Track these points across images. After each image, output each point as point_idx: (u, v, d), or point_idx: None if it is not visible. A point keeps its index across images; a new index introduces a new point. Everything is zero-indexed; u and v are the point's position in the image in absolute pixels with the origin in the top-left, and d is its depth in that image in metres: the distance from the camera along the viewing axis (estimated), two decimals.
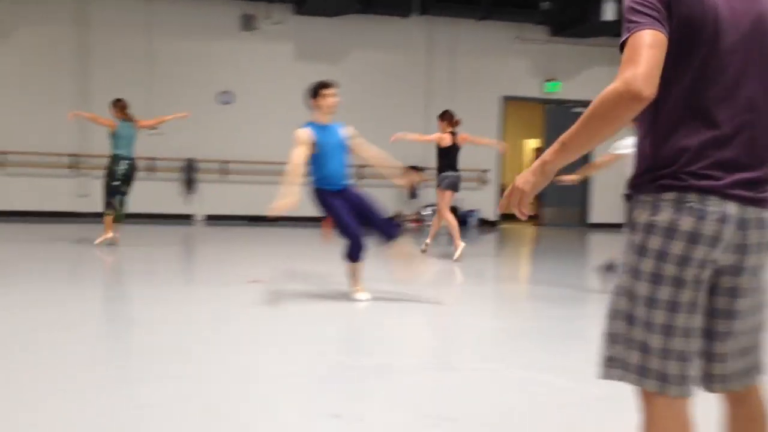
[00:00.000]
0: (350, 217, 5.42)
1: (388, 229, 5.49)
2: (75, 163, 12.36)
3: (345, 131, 5.74)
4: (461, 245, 8.17)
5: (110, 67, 12.48)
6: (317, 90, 5.58)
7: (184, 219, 12.86)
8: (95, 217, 12.25)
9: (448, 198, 8.47)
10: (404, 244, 5.61)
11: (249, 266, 7.47)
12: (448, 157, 8.46)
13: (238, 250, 9.09)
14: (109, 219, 8.27)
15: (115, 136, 8.33)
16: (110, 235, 8.25)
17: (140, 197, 12.58)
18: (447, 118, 8.45)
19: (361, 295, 5.55)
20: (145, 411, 2.91)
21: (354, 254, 5.47)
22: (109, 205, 8.27)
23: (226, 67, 13.02)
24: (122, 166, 8.24)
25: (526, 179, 1.78)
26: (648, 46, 1.57)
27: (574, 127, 1.65)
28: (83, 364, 3.70)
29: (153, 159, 12.52)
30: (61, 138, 12.27)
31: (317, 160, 5.59)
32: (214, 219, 13.00)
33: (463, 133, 8.67)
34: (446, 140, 8.39)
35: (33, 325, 4.41)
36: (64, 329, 4.39)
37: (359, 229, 5.41)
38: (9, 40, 12.10)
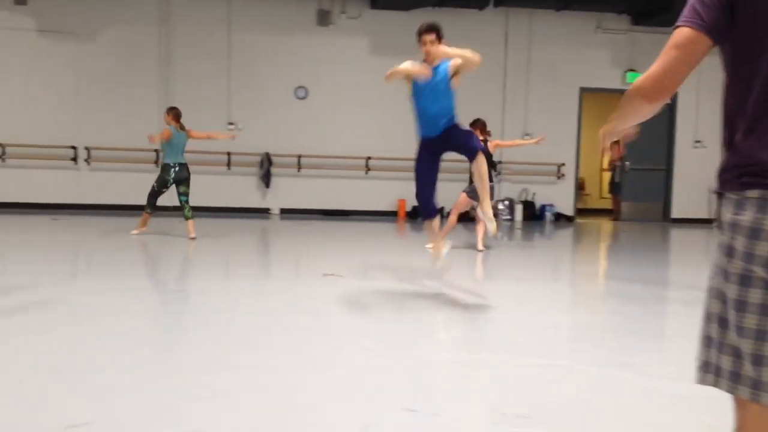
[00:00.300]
0: (424, 180, 5.37)
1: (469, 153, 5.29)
2: (158, 159, 12.75)
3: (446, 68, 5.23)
4: (443, 247, 7.77)
5: (190, 63, 12.81)
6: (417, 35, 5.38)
7: (261, 212, 13.11)
8: (174, 210, 12.67)
9: (464, 203, 8.32)
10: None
11: (324, 260, 7.54)
12: None
13: (313, 243, 9.20)
14: (147, 216, 8.84)
15: (168, 144, 8.67)
16: (145, 228, 8.85)
17: (218, 191, 12.95)
18: (479, 125, 8.29)
19: (440, 248, 5.52)
20: (220, 400, 2.96)
21: (424, 215, 5.55)
22: (151, 206, 8.83)
23: (302, 61, 13.17)
24: (172, 174, 8.67)
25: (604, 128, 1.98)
26: (673, 46, 1.61)
27: (615, 111, 1.81)
28: (158, 352, 3.80)
29: (230, 154, 12.80)
30: (145, 134, 12.67)
31: (414, 103, 5.41)
32: (288, 213, 13.20)
33: (494, 140, 8.73)
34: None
35: (110, 312, 4.57)
36: (140, 318, 4.53)
37: (427, 193, 5.38)
38: (97, 40, 12.57)
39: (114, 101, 12.65)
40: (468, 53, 5.09)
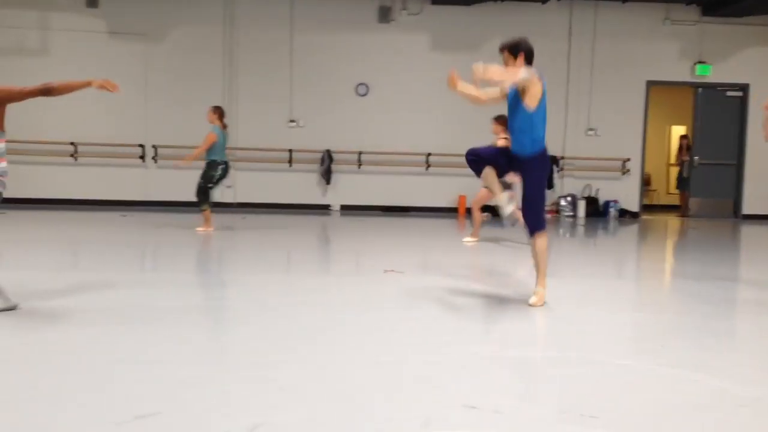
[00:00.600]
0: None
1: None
2: None
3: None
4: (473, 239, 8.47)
5: (254, 62, 13.02)
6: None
7: (322, 209, 13.22)
8: (239, 207, 12.87)
9: (485, 197, 8.31)
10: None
11: (384, 256, 7.56)
12: None
13: (374, 240, 9.23)
14: (208, 213, 9.07)
15: (214, 143, 8.98)
16: (210, 228, 9.03)
17: (279, 188, 13.14)
18: (502, 122, 8.13)
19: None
20: (286, 393, 3.00)
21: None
22: (204, 202, 9.07)
23: (363, 58, 13.22)
24: (219, 171, 8.99)
25: None
26: None
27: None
28: (223, 345, 3.88)
29: (291, 151, 12.96)
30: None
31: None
32: (348, 209, 13.28)
33: None
34: (500, 144, 8.33)
35: (176, 305, 4.68)
36: (205, 311, 4.62)
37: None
38: (164, 41, 12.89)
39: (180, 100, 12.96)
40: (473, 91, 5.05)
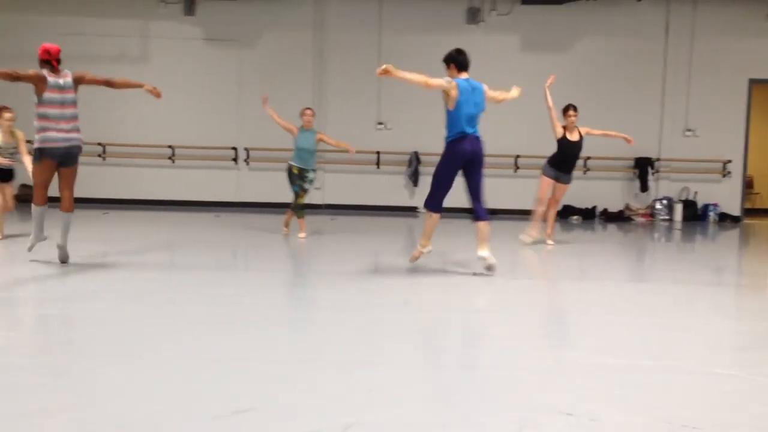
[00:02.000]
0: None
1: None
2: None
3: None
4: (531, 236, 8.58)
5: (343, 65, 13.19)
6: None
7: (409, 211, 13.25)
8: (328, 208, 13.04)
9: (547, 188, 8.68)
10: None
11: (473, 258, 7.49)
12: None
13: (461, 241, 9.16)
14: (300, 219, 8.85)
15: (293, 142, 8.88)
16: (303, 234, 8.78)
17: (367, 190, 13.23)
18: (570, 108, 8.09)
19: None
20: (375, 394, 3.01)
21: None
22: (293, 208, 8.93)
23: None
24: (289, 173, 8.89)
25: None
26: None
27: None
28: (314, 345, 3.92)
29: (379, 153, 13.04)
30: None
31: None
32: None
33: (585, 127, 8.53)
34: (560, 134, 8.23)
35: (269, 305, 4.78)
36: (295, 311, 4.69)
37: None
38: (257, 46, 13.23)
39: (271, 104, 13.23)
40: (408, 74, 6.32)
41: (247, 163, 13.28)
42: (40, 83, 5.75)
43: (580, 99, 12.97)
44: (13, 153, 7.31)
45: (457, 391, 3.07)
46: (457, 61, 6.30)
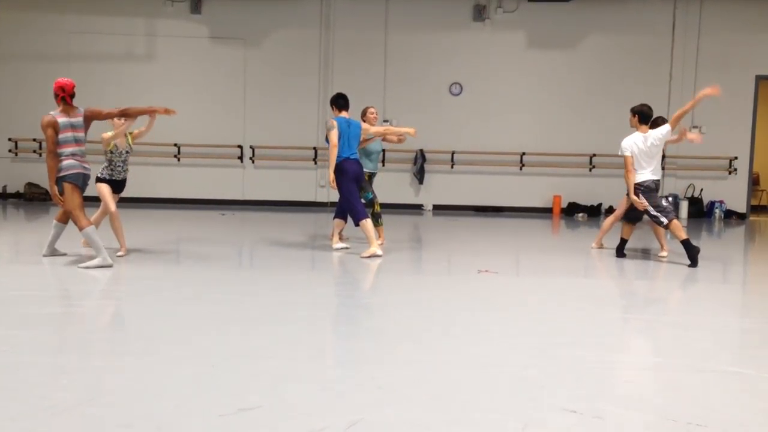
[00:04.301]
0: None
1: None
2: (315, 157, 13.25)
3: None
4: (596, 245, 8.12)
5: (348, 63, 13.20)
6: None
7: (414, 208, 13.26)
8: (333, 206, 13.05)
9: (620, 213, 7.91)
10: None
11: (478, 256, 7.50)
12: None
13: (467, 239, 9.17)
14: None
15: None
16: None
17: (373, 187, 13.21)
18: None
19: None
20: (384, 392, 3.02)
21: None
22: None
23: (457, 58, 13.18)
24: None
25: None
26: None
27: None
28: (323, 343, 3.94)
29: (385, 151, 13.04)
30: (306, 133, 13.25)
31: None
32: (441, 209, 13.27)
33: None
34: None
35: (278, 303, 4.79)
36: (305, 309, 4.70)
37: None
38: (263, 45, 13.25)
39: (277, 102, 13.29)
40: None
41: (253, 162, 13.31)
42: (52, 129, 5.95)
43: (586, 96, 13.00)
44: (126, 160, 7.01)
45: (462, 389, 3.08)
46: (336, 101, 7.35)
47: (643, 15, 12.89)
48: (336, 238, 7.71)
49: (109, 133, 6.73)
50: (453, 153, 13.12)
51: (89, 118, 6.19)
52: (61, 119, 6.00)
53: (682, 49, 12.90)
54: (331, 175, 7.06)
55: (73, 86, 6.15)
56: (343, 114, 7.29)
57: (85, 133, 6.19)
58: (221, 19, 13.19)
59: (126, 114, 6.36)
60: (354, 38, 13.17)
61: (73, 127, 6.05)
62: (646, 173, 7.17)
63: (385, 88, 13.18)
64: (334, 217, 7.73)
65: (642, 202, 7.08)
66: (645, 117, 7.33)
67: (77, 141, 6.08)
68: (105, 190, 6.83)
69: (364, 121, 7.92)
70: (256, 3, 13.12)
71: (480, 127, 13.14)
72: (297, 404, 2.85)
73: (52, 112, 6.04)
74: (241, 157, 13.31)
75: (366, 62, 13.19)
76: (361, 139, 7.44)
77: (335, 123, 7.05)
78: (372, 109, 8.14)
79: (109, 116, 6.34)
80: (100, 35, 13.10)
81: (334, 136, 7.01)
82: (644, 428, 2.68)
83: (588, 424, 2.69)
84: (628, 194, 7.28)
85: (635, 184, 7.13)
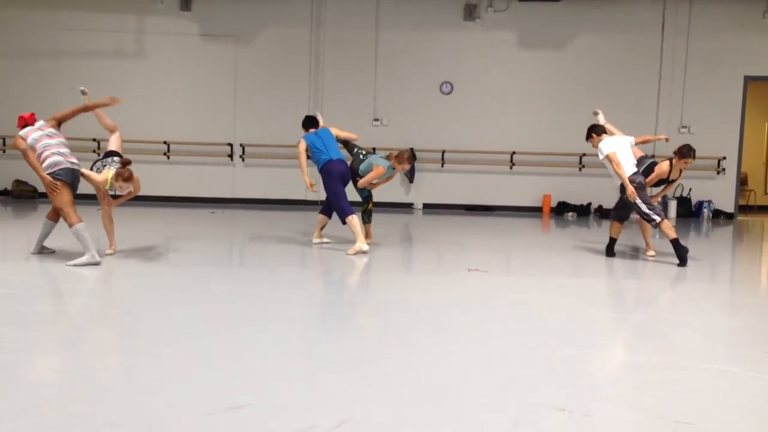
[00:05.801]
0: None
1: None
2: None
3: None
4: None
5: (339, 62, 13.18)
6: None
7: (404, 207, 13.26)
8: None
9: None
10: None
11: (468, 255, 7.52)
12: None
13: (456, 238, 9.18)
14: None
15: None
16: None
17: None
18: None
19: None
20: (374, 390, 3.02)
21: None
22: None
23: (447, 57, 13.19)
24: None
25: None
26: None
27: None
28: (314, 341, 3.94)
29: (375, 149, 13.03)
30: (296, 131, 13.19)
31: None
32: (431, 207, 13.28)
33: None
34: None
35: (271, 302, 4.79)
36: (295, 308, 4.70)
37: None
38: (253, 43, 13.21)
39: (267, 101, 13.25)
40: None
41: (243, 160, 13.28)
42: (21, 138, 6.13)
43: (576, 96, 13.03)
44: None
45: (451, 388, 3.09)
46: (305, 123, 7.90)
47: (633, 15, 12.94)
48: (318, 233, 8.15)
49: (100, 178, 6.40)
50: (443, 152, 13.13)
51: (57, 125, 6.35)
52: (29, 130, 6.17)
53: (671, 49, 12.97)
54: (307, 180, 7.56)
55: (34, 116, 6.36)
56: (311, 131, 7.75)
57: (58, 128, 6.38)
58: (211, 17, 13.14)
59: (86, 110, 6.64)
60: (345, 37, 13.16)
61: (44, 132, 6.19)
62: (630, 168, 7.30)
63: (375, 86, 13.18)
64: (319, 213, 8.19)
65: (635, 194, 7.10)
66: (599, 129, 7.79)
67: (56, 140, 6.19)
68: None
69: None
70: (246, 1, 13.08)
71: (470, 126, 13.16)
72: (286, 403, 2.84)
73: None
74: (231, 155, 13.27)
75: (357, 61, 13.18)
76: (369, 173, 8.04)
77: (302, 139, 7.64)
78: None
79: (74, 113, 6.46)
80: (90, 32, 13.02)
81: (301, 146, 7.60)
82: (633, 426, 2.69)
83: (577, 423, 2.70)
84: (622, 190, 7.30)
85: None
